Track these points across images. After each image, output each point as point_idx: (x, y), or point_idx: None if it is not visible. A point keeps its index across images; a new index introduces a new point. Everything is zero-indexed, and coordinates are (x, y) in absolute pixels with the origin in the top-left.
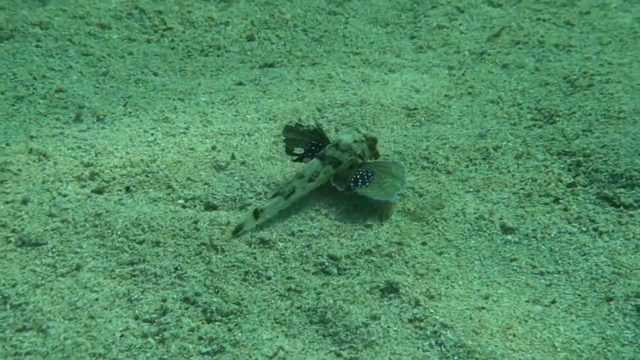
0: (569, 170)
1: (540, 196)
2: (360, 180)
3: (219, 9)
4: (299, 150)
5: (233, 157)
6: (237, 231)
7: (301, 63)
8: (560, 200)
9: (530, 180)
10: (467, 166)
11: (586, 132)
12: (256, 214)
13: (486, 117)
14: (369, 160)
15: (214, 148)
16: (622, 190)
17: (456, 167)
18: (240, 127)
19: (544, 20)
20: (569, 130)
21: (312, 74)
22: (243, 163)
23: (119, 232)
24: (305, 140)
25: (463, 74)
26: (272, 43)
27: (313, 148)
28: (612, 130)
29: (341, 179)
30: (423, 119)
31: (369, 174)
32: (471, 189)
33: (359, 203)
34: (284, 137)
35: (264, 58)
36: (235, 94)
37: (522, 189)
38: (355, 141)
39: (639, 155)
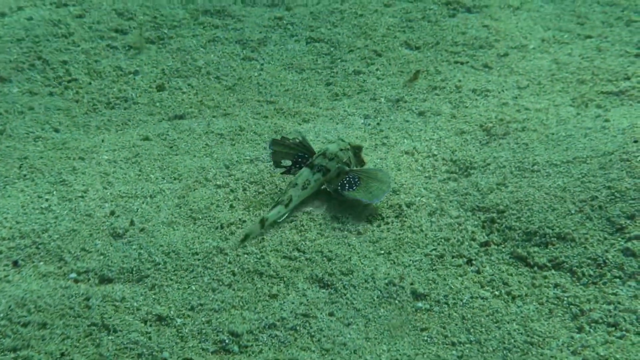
0: (483, 227)
1: (453, 257)
2: (347, 185)
3: (128, 57)
4: (285, 162)
5: (132, 223)
6: (245, 240)
7: (212, 114)
8: (473, 262)
9: (443, 240)
10: (379, 225)
11: (500, 185)
12: (262, 222)
13: (400, 171)
14: (355, 168)
15: (112, 213)
16: (536, 249)
17: (367, 227)
18: (142, 188)
19: (462, 64)
20: (483, 184)
21: (223, 126)
22: (142, 230)
23: (1, 315)
24: (291, 153)
25: (378, 124)
26: (184, 92)
27: (300, 160)
28: (525, 184)
29: (331, 183)
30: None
31: (356, 180)
32: (382, 251)
33: (263, 270)
34: (270, 151)
35: (174, 109)
36: (140, 151)
37: (435, 249)
38: (341, 149)
39: (553, 211)
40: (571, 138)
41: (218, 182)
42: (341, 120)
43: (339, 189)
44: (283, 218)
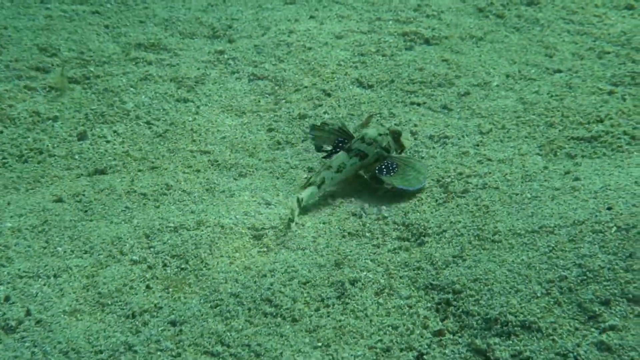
0: (437, 310)
1: (401, 350)
2: (385, 170)
3: (48, 100)
4: (327, 147)
5: (28, 313)
6: (292, 220)
7: (138, 167)
8: (425, 357)
9: (390, 329)
10: (317, 309)
11: (457, 258)
12: (299, 201)
13: (345, 238)
14: (394, 154)
15: (7, 299)
16: (497, 340)
17: (304, 312)
18: (46, 265)
19: (419, 105)
20: (437, 257)
21: (148, 183)
22: (39, 322)
23: None
24: (331, 138)
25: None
26: (108, 141)
27: (340, 144)
28: (485, 257)
29: (367, 170)
30: (272, 242)
31: (394, 166)
32: (320, 343)
33: None
34: (311, 136)
35: (95, 162)
36: (49, 217)
37: (381, 340)
38: (380, 134)
39: (516, 293)
40: (537, 201)
41: (134, 257)
42: (282, 175)
43: (377, 172)
44: (316, 198)
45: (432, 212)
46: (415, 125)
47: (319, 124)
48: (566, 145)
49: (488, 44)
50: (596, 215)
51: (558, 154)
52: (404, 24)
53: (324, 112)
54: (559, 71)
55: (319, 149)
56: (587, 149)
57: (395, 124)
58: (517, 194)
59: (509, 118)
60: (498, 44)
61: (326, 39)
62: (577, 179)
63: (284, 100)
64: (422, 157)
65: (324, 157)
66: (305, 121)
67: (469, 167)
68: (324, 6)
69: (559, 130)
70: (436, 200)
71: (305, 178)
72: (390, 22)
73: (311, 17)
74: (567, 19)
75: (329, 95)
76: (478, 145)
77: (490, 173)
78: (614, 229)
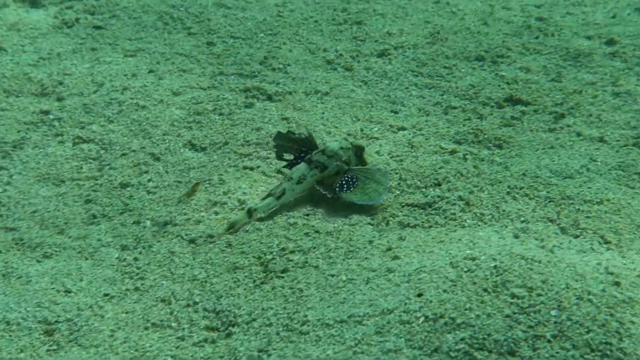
0: None
1: None
2: (345, 186)
3: None
4: (288, 156)
5: None
6: (231, 227)
7: None
8: None
9: None
10: None
11: (262, 353)
12: (250, 213)
13: (148, 329)
14: (355, 167)
15: None
16: None
17: None
18: None
19: (252, 169)
20: (242, 352)
21: None
22: None
23: None
24: (294, 147)
25: (136, 259)
26: None
27: (303, 155)
28: (291, 352)
29: (327, 184)
30: (64, 339)
31: (354, 180)
32: None
33: None
34: (274, 143)
35: None
36: None
37: None
38: (342, 148)
39: None
40: (352, 284)
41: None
42: (91, 255)
43: (337, 190)
44: (273, 210)
45: (246, 297)
46: (245, 194)
47: (285, 132)
48: (400, 213)
49: (333, 99)
50: (405, 303)
51: (390, 223)
52: (248, 78)
53: (149, 180)
54: (403, 128)
55: (280, 157)
56: (420, 216)
57: (358, 139)
58: (334, 275)
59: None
60: (343, 99)
61: (162, 96)
62: (395, 257)
63: (108, 167)
64: (247, 231)
65: (284, 167)
66: (127, 190)
67: (294, 241)
68: (167, 59)
69: (395, 196)
70: (254, 281)
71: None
72: (233, 77)
73: (151, 71)
74: (417, 71)
75: (157, 159)
76: (308, 215)
77: (314, 248)
78: (422, 319)
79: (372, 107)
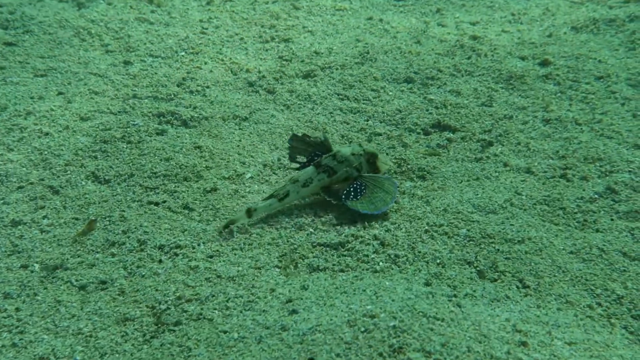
0: None
1: None
2: (352, 193)
3: None
4: (301, 159)
5: None
6: (228, 226)
7: None
8: None
9: None
10: None
11: None
12: (249, 212)
13: None
14: (364, 174)
15: None
16: None
17: None
18: None
19: (157, 204)
20: None
21: None
22: None
23: None
24: (309, 150)
25: (17, 309)
26: None
27: (315, 158)
28: None
29: (334, 190)
30: None
31: (362, 187)
32: None
33: None
34: (288, 145)
35: None
36: None
37: None
38: (353, 154)
39: None
40: (243, 343)
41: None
42: None
43: (343, 198)
44: (274, 211)
45: (132, 354)
46: (146, 232)
47: (300, 134)
48: (310, 254)
49: (252, 125)
50: None
51: (299, 265)
52: (163, 101)
53: (44, 217)
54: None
55: (292, 159)
56: (331, 258)
57: (373, 145)
58: (226, 332)
59: (254, 219)
60: (263, 125)
61: (69, 122)
62: (294, 311)
63: (1, 201)
64: (143, 276)
65: (296, 169)
66: (18, 228)
67: (193, 287)
68: (79, 79)
69: (307, 234)
70: (144, 335)
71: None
72: (147, 100)
73: (60, 93)
74: (343, 94)
75: (57, 192)
76: (212, 257)
77: (213, 297)
78: None
79: (295, 131)
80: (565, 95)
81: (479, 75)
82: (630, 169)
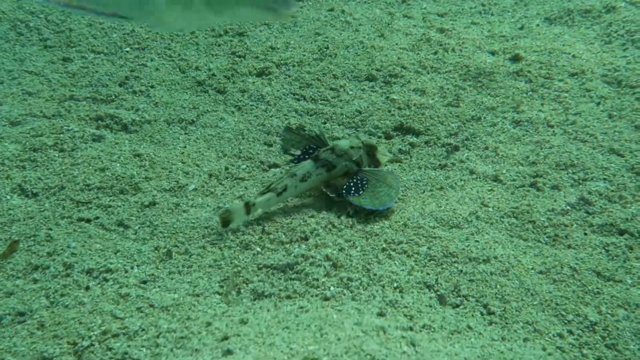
0: None
1: None
2: (353, 188)
3: None
4: (295, 151)
5: None
6: (226, 225)
7: None
8: None
9: None
10: None
11: None
12: (247, 207)
13: None
14: (365, 168)
15: None
16: None
17: None
18: None
19: (89, 221)
20: None
21: None
22: None
23: None
24: (302, 143)
25: None
26: None
27: (310, 151)
28: None
29: (334, 185)
30: None
31: (364, 182)
32: None
33: None
34: (281, 137)
35: None
36: None
37: None
38: (352, 147)
39: None
40: None
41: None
42: None
43: (344, 192)
44: (274, 207)
45: None
46: (74, 254)
47: (294, 127)
48: (255, 278)
49: (199, 129)
50: None
51: (242, 291)
52: (103, 103)
53: None
54: (276, 165)
55: (286, 151)
56: (278, 282)
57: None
58: None
59: (197, 237)
60: (211, 129)
61: None
62: (228, 352)
63: None
64: (67, 306)
65: (290, 162)
66: None
67: (122, 319)
68: (13, 78)
69: (253, 255)
70: None
71: (263, 184)
72: (86, 102)
73: None
74: (299, 94)
75: None
76: (146, 283)
77: (143, 331)
78: None
79: (243, 138)
80: (537, 93)
81: (446, 72)
82: (605, 177)
